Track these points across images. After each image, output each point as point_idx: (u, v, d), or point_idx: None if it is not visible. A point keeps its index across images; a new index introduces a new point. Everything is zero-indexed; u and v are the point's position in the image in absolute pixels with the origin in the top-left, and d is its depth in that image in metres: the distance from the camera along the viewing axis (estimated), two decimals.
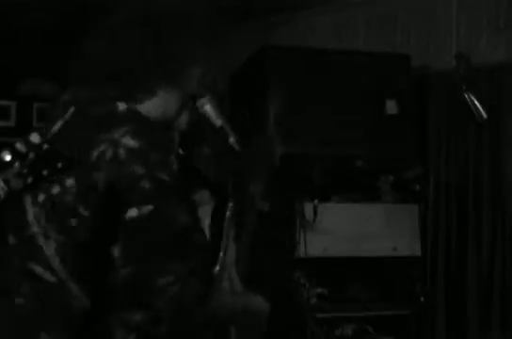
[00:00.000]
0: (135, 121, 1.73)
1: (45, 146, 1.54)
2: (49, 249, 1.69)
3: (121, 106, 1.77)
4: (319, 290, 3.68)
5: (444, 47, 4.07)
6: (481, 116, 3.03)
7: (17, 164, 1.53)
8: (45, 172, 1.54)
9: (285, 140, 3.68)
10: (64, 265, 1.68)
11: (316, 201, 3.67)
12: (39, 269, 1.71)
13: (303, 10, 4.59)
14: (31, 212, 1.72)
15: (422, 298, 3.80)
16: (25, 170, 1.54)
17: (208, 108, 2.15)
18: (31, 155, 1.53)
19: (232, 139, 2.14)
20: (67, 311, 1.70)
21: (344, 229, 3.73)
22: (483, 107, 3.07)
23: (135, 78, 1.83)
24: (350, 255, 3.73)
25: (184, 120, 2.02)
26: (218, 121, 2.15)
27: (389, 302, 3.80)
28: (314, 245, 3.62)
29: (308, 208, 3.66)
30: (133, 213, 1.58)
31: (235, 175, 2.32)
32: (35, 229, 1.71)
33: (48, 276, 1.70)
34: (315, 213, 3.66)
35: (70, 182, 1.62)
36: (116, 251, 1.60)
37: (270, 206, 3.31)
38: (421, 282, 3.87)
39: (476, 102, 3.03)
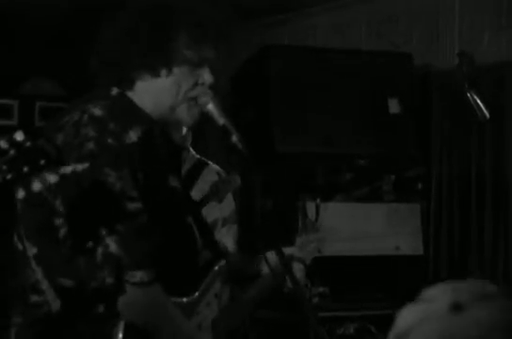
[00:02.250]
0: (115, 100, 1.86)
1: (28, 143, 1.52)
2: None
3: (114, 91, 1.89)
4: (321, 289, 3.68)
5: (447, 46, 4.07)
6: (484, 115, 3.03)
7: None
8: (26, 169, 1.52)
9: (287, 139, 3.68)
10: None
11: (318, 201, 3.67)
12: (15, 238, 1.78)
13: (304, 9, 4.59)
14: None
15: None
16: (4, 167, 1.51)
17: (211, 107, 2.15)
18: (12, 152, 1.52)
19: (234, 138, 2.14)
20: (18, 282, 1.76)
21: (346, 228, 3.72)
22: (486, 106, 3.07)
23: (126, 66, 1.90)
24: (352, 254, 3.73)
25: (186, 118, 2.02)
26: (221, 120, 2.15)
27: (391, 301, 3.79)
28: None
29: (310, 207, 3.66)
30: (67, 169, 1.65)
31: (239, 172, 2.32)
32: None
33: (19, 244, 1.77)
34: (317, 212, 3.66)
35: (52, 178, 1.66)
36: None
37: (272, 205, 3.30)
38: (423, 281, 3.86)
39: (479, 101, 3.03)
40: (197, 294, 2.04)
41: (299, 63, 3.77)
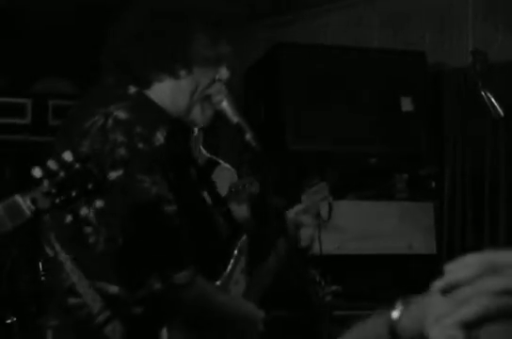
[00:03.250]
0: (136, 100, 1.83)
1: (77, 165, 1.50)
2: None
3: (132, 89, 1.86)
4: (334, 288, 3.67)
5: (460, 44, 4.05)
6: (497, 113, 3.01)
7: (46, 182, 1.49)
8: (74, 193, 1.51)
9: (299, 137, 3.68)
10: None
11: (331, 199, 3.67)
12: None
13: (316, 8, 4.58)
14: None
15: None
16: (54, 190, 1.50)
17: (225, 105, 2.15)
18: (61, 174, 1.49)
19: (248, 136, 2.14)
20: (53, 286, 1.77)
21: (358, 226, 3.72)
22: (499, 104, 3.05)
23: (143, 65, 1.88)
24: (365, 253, 3.72)
25: (201, 118, 2.02)
26: (235, 118, 2.15)
27: None
28: (329, 242, 3.61)
29: (322, 205, 3.65)
30: (112, 175, 1.63)
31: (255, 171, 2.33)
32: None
33: (48, 250, 1.77)
34: (330, 210, 3.65)
35: (99, 203, 1.64)
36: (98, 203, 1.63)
37: (284, 203, 3.30)
38: (436, 280, 3.85)
39: (492, 99, 3.01)
40: (226, 274, 2.07)
41: (311, 61, 3.76)
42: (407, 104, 3.79)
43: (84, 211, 1.61)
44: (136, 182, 1.73)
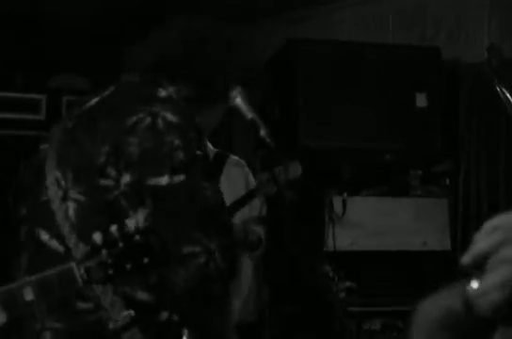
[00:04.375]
0: (174, 104, 1.80)
1: (137, 237, 1.47)
2: (60, 213, 1.67)
3: (163, 92, 1.83)
4: (348, 284, 3.67)
5: (475, 39, 4.03)
6: None
7: (104, 252, 1.46)
8: (129, 267, 1.47)
9: (313, 134, 3.67)
10: (75, 229, 1.66)
11: (345, 195, 3.66)
12: (44, 237, 1.71)
13: (331, 4, 4.57)
14: (50, 176, 1.73)
15: None
16: (110, 261, 1.47)
17: (239, 101, 2.16)
18: (120, 245, 1.46)
19: (262, 132, 2.14)
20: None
21: (372, 223, 3.71)
22: None
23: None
24: (379, 249, 3.71)
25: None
26: (249, 114, 2.16)
27: (418, 297, 3.77)
28: (343, 239, 3.61)
29: (337, 202, 3.65)
30: (163, 181, 1.57)
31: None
32: (50, 193, 1.71)
33: (54, 244, 1.69)
34: (344, 206, 3.65)
35: (153, 279, 1.60)
36: (140, 216, 1.58)
37: (299, 200, 3.30)
38: (451, 276, 3.83)
39: (508, 95, 2.99)
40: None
41: (325, 57, 3.75)
42: (421, 100, 3.77)
43: (132, 290, 1.58)
44: (200, 188, 1.68)
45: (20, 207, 1.81)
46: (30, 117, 4.20)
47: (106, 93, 1.83)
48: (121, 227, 1.45)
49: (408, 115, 3.75)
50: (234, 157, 3.33)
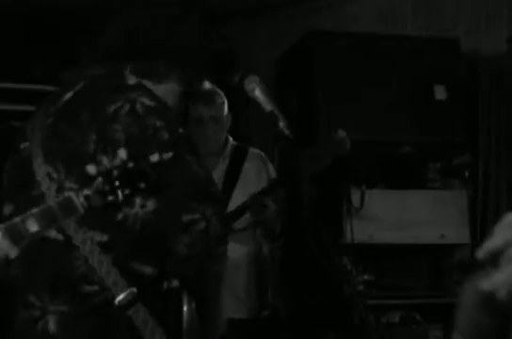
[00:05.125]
0: (146, 90, 1.89)
1: (130, 164, 1.53)
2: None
3: (132, 80, 1.92)
4: (366, 277, 3.66)
5: (495, 31, 4.00)
6: None
7: (100, 180, 1.52)
8: (126, 192, 1.53)
9: (331, 126, 3.66)
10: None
11: (363, 188, 3.65)
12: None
13: None
14: (41, 171, 1.80)
15: None
16: (107, 188, 1.52)
17: (258, 93, 2.15)
18: (115, 173, 1.52)
19: (281, 124, 2.13)
20: (62, 274, 1.76)
21: (390, 215, 3.70)
22: None
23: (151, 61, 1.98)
24: (397, 242, 3.70)
25: None
26: (268, 106, 2.15)
27: (437, 290, 3.77)
28: (361, 231, 3.60)
29: (355, 194, 3.64)
30: (154, 158, 1.61)
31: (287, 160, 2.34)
32: (44, 187, 1.78)
33: (53, 234, 1.75)
34: (362, 199, 3.64)
35: (150, 204, 1.67)
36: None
37: (317, 193, 3.30)
38: (469, 269, 3.82)
39: None
40: None
41: (343, 49, 3.73)
42: (440, 93, 3.75)
43: (136, 209, 1.63)
44: (189, 163, 1.78)
45: (5, 204, 1.87)
46: None
47: (78, 88, 1.91)
48: (113, 156, 1.53)
49: (427, 107, 3.73)
50: (254, 150, 3.34)
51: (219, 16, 4.31)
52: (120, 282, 1.73)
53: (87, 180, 1.55)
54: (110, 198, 1.52)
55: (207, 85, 3.18)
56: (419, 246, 3.75)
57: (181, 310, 1.85)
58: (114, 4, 4.43)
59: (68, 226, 1.73)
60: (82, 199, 1.52)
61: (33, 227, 1.51)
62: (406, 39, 3.88)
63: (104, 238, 1.75)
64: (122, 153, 1.53)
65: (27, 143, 1.89)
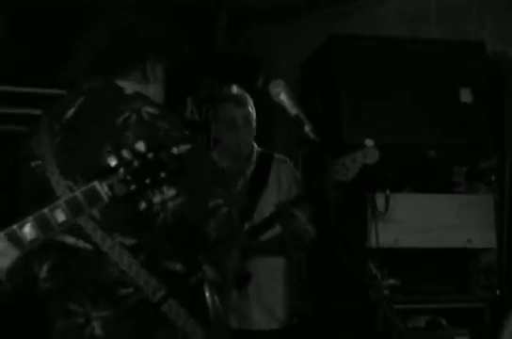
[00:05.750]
0: (145, 98, 1.98)
1: (150, 155, 1.57)
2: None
3: (128, 89, 1.99)
4: (391, 281, 3.64)
5: None
6: None
7: (122, 170, 1.57)
8: (148, 181, 1.58)
9: (355, 129, 3.65)
10: (99, 224, 1.80)
11: (388, 192, 3.63)
12: (70, 240, 1.84)
13: None
14: (59, 187, 1.86)
15: (497, 291, 3.72)
16: (129, 177, 1.57)
17: (283, 97, 2.15)
18: (136, 163, 1.57)
19: (307, 128, 2.13)
20: (98, 280, 1.83)
21: (416, 220, 3.68)
22: None
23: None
24: (423, 246, 3.67)
25: None
26: (294, 110, 2.15)
27: (463, 295, 3.74)
28: (386, 235, 3.58)
29: (379, 198, 3.62)
30: (174, 150, 1.66)
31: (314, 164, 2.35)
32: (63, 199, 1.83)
33: (81, 243, 1.83)
34: (387, 203, 3.62)
35: (171, 192, 1.73)
36: (164, 188, 1.69)
37: (342, 197, 3.29)
38: (496, 274, 3.79)
39: None
40: None
41: (368, 53, 3.72)
42: (466, 96, 3.73)
43: (157, 199, 1.64)
44: (206, 154, 1.93)
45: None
46: None
47: (79, 102, 1.97)
48: (133, 149, 1.57)
49: (453, 110, 3.71)
50: (279, 156, 3.33)
51: (245, 20, 4.32)
52: (152, 282, 1.82)
53: (110, 171, 1.60)
54: (133, 187, 1.57)
55: (236, 88, 3.20)
56: (445, 250, 3.72)
57: (206, 299, 1.97)
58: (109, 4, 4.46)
59: (95, 235, 1.81)
60: (106, 188, 1.57)
61: (61, 217, 1.57)
62: (431, 42, 3.86)
63: (132, 242, 1.82)
64: (141, 146, 1.57)
65: (39, 162, 1.95)
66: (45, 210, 1.58)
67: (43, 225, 1.57)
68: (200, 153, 1.90)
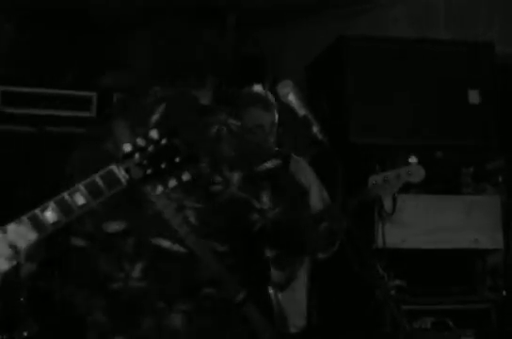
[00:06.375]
0: (225, 110, 2.07)
1: (163, 141, 1.61)
2: (176, 220, 1.92)
3: (204, 100, 2.08)
4: (398, 282, 3.64)
5: None
6: None
7: (137, 155, 1.61)
8: (163, 165, 1.61)
9: (362, 130, 3.65)
10: (195, 229, 1.94)
11: (395, 193, 3.63)
12: (166, 243, 1.96)
13: (382, 0, 4.53)
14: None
15: (504, 292, 3.72)
16: (145, 162, 1.61)
17: (292, 98, 2.16)
18: (150, 149, 1.61)
19: (315, 129, 2.14)
20: (187, 281, 1.97)
21: (423, 220, 3.68)
22: None
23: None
24: (429, 247, 3.67)
25: None
26: (302, 111, 2.16)
27: (469, 295, 3.74)
28: (393, 236, 3.58)
29: (387, 199, 3.62)
30: (268, 165, 1.83)
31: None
32: (160, 206, 1.95)
33: (177, 248, 1.95)
34: (394, 204, 3.62)
35: (185, 176, 1.75)
36: (264, 198, 1.87)
37: (350, 198, 3.29)
38: (503, 275, 3.79)
39: None
40: None
41: (376, 53, 3.73)
42: (474, 97, 3.72)
43: (172, 183, 1.68)
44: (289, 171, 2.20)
45: (115, 221, 2.03)
46: (81, 114, 4.24)
47: (161, 110, 2.05)
48: (147, 137, 1.61)
49: (461, 111, 3.71)
50: (295, 156, 3.32)
51: (253, 22, 4.32)
52: (236, 284, 1.98)
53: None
54: (149, 171, 1.61)
55: (261, 88, 3.12)
56: (451, 251, 3.72)
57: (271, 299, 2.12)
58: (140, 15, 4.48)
59: (189, 239, 1.94)
60: (123, 172, 1.61)
61: (80, 200, 1.62)
62: (439, 43, 3.86)
63: (224, 248, 1.97)
64: (154, 133, 1.61)
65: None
66: (65, 194, 1.62)
67: (64, 208, 1.62)
68: (287, 166, 2.06)
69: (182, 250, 1.96)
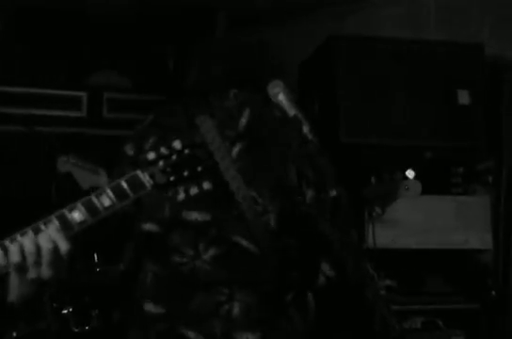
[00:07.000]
0: (302, 122, 2.16)
1: (186, 151, 1.70)
2: (257, 223, 2.03)
3: (278, 113, 2.19)
4: (388, 282, 3.65)
5: None
6: None
7: (161, 163, 1.71)
8: (186, 173, 1.71)
9: (352, 130, 3.66)
10: (271, 234, 2.04)
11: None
12: (244, 242, 2.05)
13: (372, 0, 4.54)
14: (240, 193, 2.09)
15: (493, 292, 3.73)
16: (168, 169, 1.71)
17: (282, 98, 2.16)
18: (174, 158, 1.71)
19: (305, 129, 2.14)
20: (252, 276, 2.06)
21: (413, 220, 3.69)
22: None
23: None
24: (419, 247, 3.69)
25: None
26: (292, 111, 2.16)
27: (459, 296, 3.75)
28: (383, 236, 3.59)
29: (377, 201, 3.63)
30: (332, 193, 1.98)
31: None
32: (244, 207, 2.07)
33: (252, 248, 2.04)
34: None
35: (207, 184, 1.84)
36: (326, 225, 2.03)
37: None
38: (492, 275, 3.80)
39: None
40: None
41: (366, 53, 3.73)
42: (464, 97, 3.74)
43: (193, 190, 1.74)
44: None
45: (201, 212, 2.10)
46: (71, 114, 4.24)
47: (247, 114, 2.21)
48: (170, 147, 1.71)
49: (450, 112, 3.72)
50: None
51: (245, 20, 4.32)
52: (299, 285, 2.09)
53: (150, 163, 1.74)
54: (172, 178, 1.71)
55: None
56: (441, 251, 3.73)
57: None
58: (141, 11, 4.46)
59: (263, 241, 2.03)
60: (147, 177, 1.71)
61: (106, 202, 1.73)
62: (429, 43, 3.87)
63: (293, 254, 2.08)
64: (177, 144, 1.70)
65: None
66: (92, 196, 1.73)
67: (91, 209, 1.72)
68: (345, 198, 2.16)
69: (257, 251, 2.05)
